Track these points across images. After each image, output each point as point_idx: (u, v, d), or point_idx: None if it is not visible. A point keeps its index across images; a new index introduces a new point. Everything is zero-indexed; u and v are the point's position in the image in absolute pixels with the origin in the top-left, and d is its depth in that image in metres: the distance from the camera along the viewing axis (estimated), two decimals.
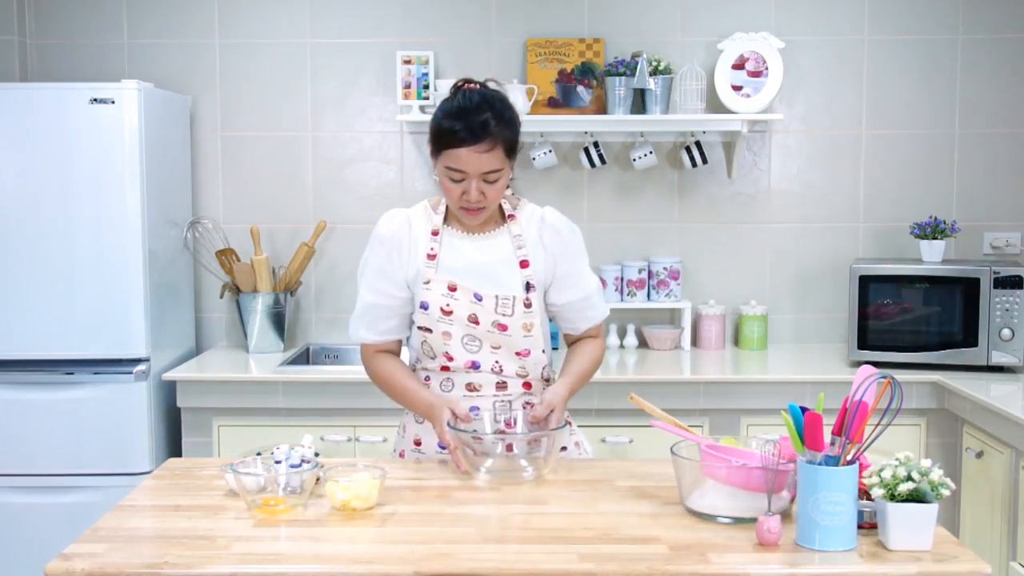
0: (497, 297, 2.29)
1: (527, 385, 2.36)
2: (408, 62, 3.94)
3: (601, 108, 3.90)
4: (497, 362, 2.31)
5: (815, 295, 4.09)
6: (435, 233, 2.33)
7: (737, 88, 3.85)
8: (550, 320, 2.45)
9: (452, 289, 2.29)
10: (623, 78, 3.79)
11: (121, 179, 3.48)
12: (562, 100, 3.93)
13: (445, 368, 2.33)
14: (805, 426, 1.78)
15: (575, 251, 2.38)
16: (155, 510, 2.04)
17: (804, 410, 1.81)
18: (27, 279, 3.48)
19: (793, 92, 4.03)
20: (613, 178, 4.05)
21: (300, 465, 2.03)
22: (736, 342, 4.08)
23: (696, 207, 4.07)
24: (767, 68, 3.83)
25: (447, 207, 2.35)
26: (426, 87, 3.93)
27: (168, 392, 3.62)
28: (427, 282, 2.30)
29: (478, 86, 2.27)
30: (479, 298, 2.28)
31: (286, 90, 4.07)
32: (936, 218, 3.81)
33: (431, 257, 2.31)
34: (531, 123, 3.87)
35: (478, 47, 4.02)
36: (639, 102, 3.89)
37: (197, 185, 4.08)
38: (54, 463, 3.51)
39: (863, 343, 3.66)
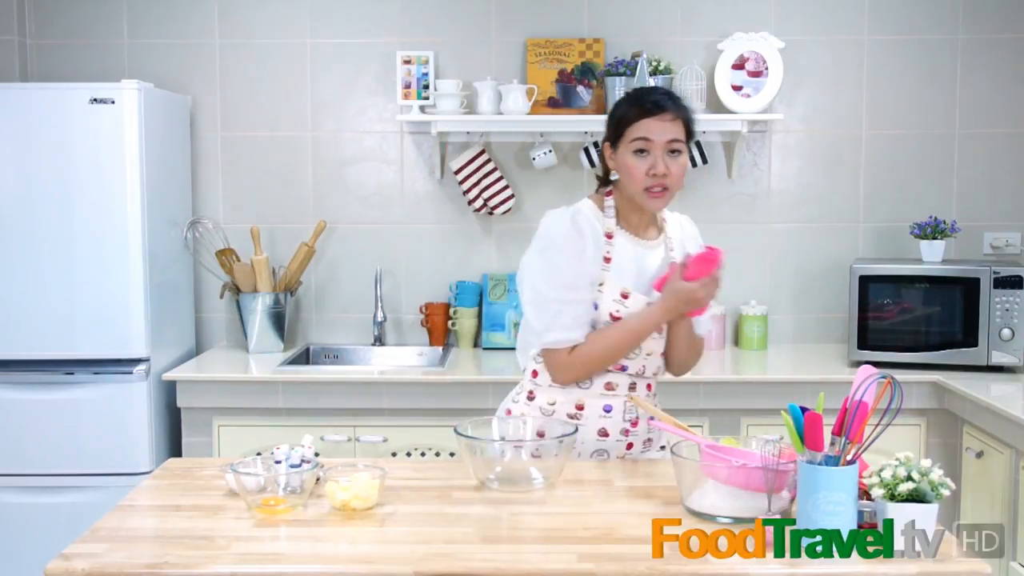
0: (649, 305, 2.34)
1: (649, 387, 2.44)
2: (408, 62, 3.94)
3: (601, 108, 3.90)
4: (644, 366, 2.39)
5: (815, 295, 4.09)
6: (609, 236, 2.36)
7: (737, 88, 3.85)
8: None
9: (624, 296, 2.33)
10: (623, 78, 3.79)
11: (121, 179, 3.49)
12: (562, 100, 3.93)
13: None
14: (805, 426, 1.78)
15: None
16: (155, 510, 2.04)
17: (804, 410, 1.81)
18: (27, 279, 3.48)
19: (793, 92, 4.03)
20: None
21: (300, 465, 2.03)
22: (736, 342, 4.08)
23: (696, 207, 4.04)
24: (767, 68, 3.83)
25: (616, 209, 2.38)
26: (426, 87, 3.93)
27: (168, 392, 3.62)
28: (600, 284, 2.33)
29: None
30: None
31: (286, 90, 4.07)
32: (936, 218, 3.81)
33: (607, 260, 2.35)
34: (531, 123, 3.88)
35: (478, 47, 4.02)
36: None
37: (197, 185, 4.08)
38: (54, 463, 3.51)
39: (863, 343, 3.66)
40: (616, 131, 2.33)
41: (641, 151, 2.29)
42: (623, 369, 2.38)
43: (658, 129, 2.27)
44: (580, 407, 2.38)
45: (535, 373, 2.44)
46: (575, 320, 2.32)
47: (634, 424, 2.39)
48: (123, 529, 1.90)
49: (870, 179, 4.07)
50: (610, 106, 3.81)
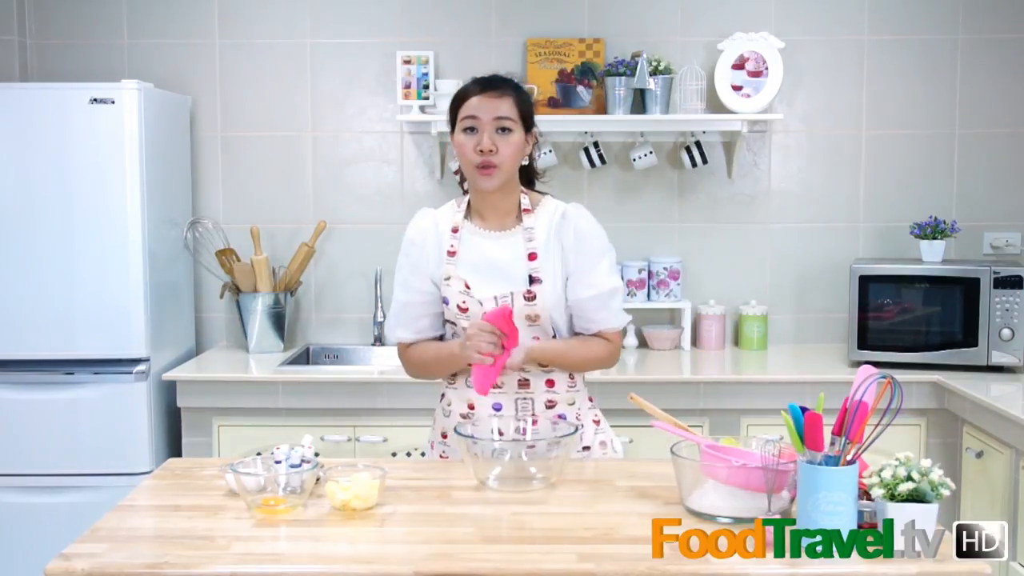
0: (495, 298, 2.31)
1: (550, 383, 2.36)
2: (408, 62, 3.94)
3: (601, 108, 3.90)
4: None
5: (815, 295, 4.09)
6: (455, 230, 2.38)
7: (737, 88, 3.85)
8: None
9: (467, 287, 2.33)
10: (623, 78, 3.79)
11: (121, 179, 3.49)
12: (562, 100, 3.93)
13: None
14: (805, 426, 1.78)
15: (593, 249, 2.36)
16: (155, 510, 2.04)
17: (804, 410, 1.81)
18: (27, 279, 3.48)
19: (793, 92, 4.03)
20: (613, 178, 4.05)
21: (300, 465, 2.03)
22: (736, 342, 4.08)
23: (696, 207, 4.07)
24: (767, 68, 3.83)
25: (468, 203, 2.41)
26: (426, 87, 3.93)
27: (168, 392, 3.62)
28: (447, 278, 2.34)
29: None
30: (480, 303, 2.32)
31: (286, 90, 4.07)
32: (936, 218, 3.81)
33: (451, 254, 2.36)
34: None
35: (478, 47, 4.02)
36: (639, 102, 3.89)
37: (197, 185, 4.08)
38: (54, 463, 3.51)
39: (863, 343, 3.66)
40: (452, 115, 2.36)
41: (470, 129, 2.30)
42: None
43: (486, 106, 2.30)
44: (471, 407, 2.36)
45: None
46: (409, 319, 2.40)
47: (532, 422, 2.32)
48: (123, 529, 1.90)
49: (870, 179, 4.07)
50: (610, 106, 3.84)
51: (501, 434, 2.29)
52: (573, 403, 2.40)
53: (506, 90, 2.33)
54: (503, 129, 2.30)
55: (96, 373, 3.51)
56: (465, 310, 2.33)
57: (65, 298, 3.49)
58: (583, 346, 2.39)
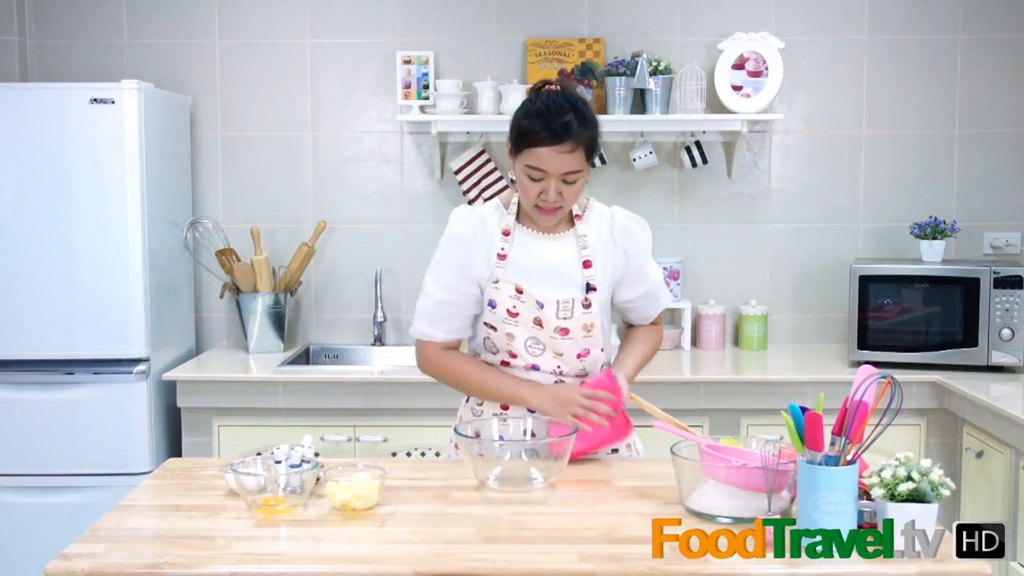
0: (558, 302, 2.30)
1: (584, 382, 2.38)
2: (408, 62, 3.94)
3: (601, 108, 3.90)
4: (559, 366, 2.33)
5: (815, 295, 4.09)
6: (506, 233, 2.33)
7: (737, 88, 3.85)
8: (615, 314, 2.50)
9: (519, 292, 2.30)
10: (623, 78, 3.79)
11: (121, 179, 3.48)
12: None
13: (505, 363, 2.35)
14: (805, 426, 1.78)
15: (645, 247, 2.42)
16: (155, 510, 2.04)
17: (804, 410, 1.81)
18: (27, 279, 3.48)
19: (793, 92, 4.03)
20: (613, 178, 4.04)
21: (300, 465, 2.03)
22: (736, 342, 4.08)
23: (696, 207, 4.07)
24: (767, 68, 3.83)
25: (519, 205, 2.36)
26: (426, 87, 3.93)
27: (168, 392, 3.62)
28: (496, 282, 2.30)
29: (558, 88, 2.27)
30: (540, 305, 2.29)
31: (286, 90, 4.07)
32: (936, 218, 3.81)
33: (501, 257, 2.32)
34: None
35: (478, 47, 4.02)
36: (639, 102, 3.89)
37: (197, 185, 4.08)
38: (54, 463, 3.51)
39: (863, 343, 3.66)
40: (515, 143, 2.24)
41: (535, 179, 2.22)
42: (535, 368, 2.33)
43: (556, 161, 2.19)
44: (505, 407, 2.35)
45: None
46: (448, 319, 2.34)
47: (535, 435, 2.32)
48: (123, 529, 1.90)
49: (870, 179, 4.07)
50: (610, 106, 3.84)
51: (533, 435, 2.28)
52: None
53: (578, 142, 2.20)
54: (569, 181, 2.24)
55: (96, 373, 3.51)
56: (515, 315, 2.29)
57: (65, 298, 3.49)
58: (647, 344, 2.49)
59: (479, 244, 2.31)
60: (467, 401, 2.45)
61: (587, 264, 2.33)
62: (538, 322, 2.29)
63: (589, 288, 2.32)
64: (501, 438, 2.28)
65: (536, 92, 2.28)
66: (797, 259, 4.10)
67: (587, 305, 2.31)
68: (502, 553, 1.77)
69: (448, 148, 4.04)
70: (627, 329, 2.55)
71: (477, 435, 2.26)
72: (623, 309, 2.47)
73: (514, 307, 2.29)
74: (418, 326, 2.38)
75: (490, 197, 3.93)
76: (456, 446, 2.46)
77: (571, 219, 2.37)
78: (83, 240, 3.48)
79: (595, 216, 2.39)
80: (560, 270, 2.33)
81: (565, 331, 2.30)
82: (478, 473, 2.14)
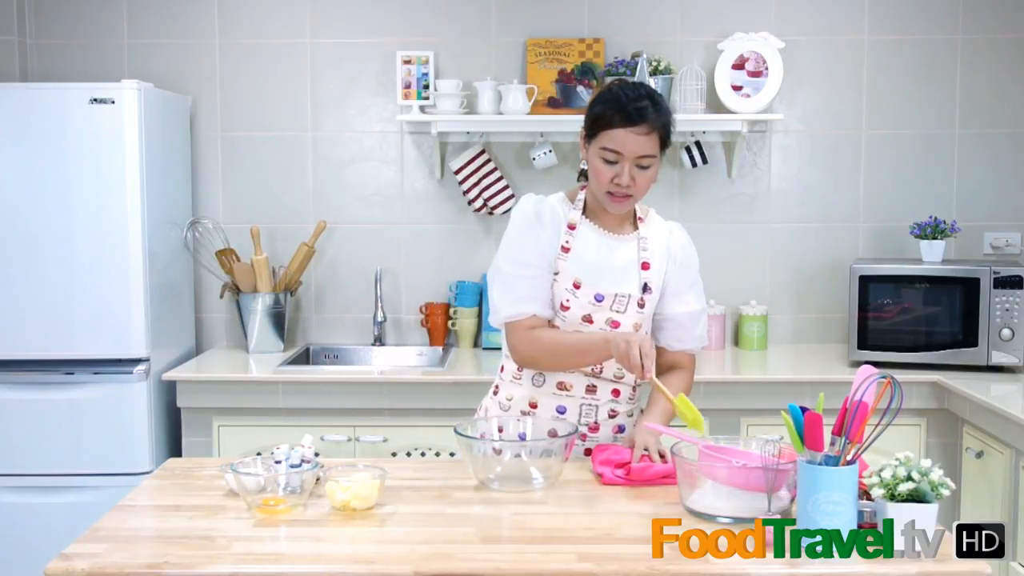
0: (616, 295, 2.31)
1: (615, 392, 2.36)
2: (408, 62, 3.94)
3: None
4: (602, 365, 2.33)
5: (815, 295, 4.09)
6: (572, 226, 2.35)
7: (737, 88, 3.85)
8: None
9: (576, 286, 2.31)
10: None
11: (121, 179, 3.49)
12: (562, 100, 3.93)
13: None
14: (805, 426, 1.78)
15: (694, 269, 2.44)
16: (155, 510, 2.04)
17: (804, 410, 1.81)
18: (27, 279, 3.48)
19: (793, 92, 4.03)
20: None
21: (300, 465, 2.03)
22: (736, 342, 4.08)
23: (696, 207, 4.07)
24: (767, 68, 3.83)
25: (585, 200, 2.37)
26: (426, 87, 3.93)
27: (168, 392, 3.62)
28: (556, 273, 2.32)
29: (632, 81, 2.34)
30: (599, 299, 2.31)
31: (286, 90, 4.07)
32: (936, 218, 3.81)
33: (565, 249, 2.33)
34: (531, 123, 3.88)
35: (478, 47, 4.02)
36: None
37: (197, 185, 4.08)
38: (54, 463, 3.51)
39: (863, 343, 3.66)
40: (591, 129, 2.28)
41: (609, 161, 2.25)
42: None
43: (631, 143, 2.22)
44: (533, 405, 2.36)
45: (502, 368, 2.45)
46: (529, 293, 2.30)
47: (593, 429, 2.35)
48: (123, 529, 1.90)
49: (870, 179, 4.07)
50: None
51: (501, 431, 2.29)
52: (632, 415, 2.41)
53: (654, 126, 2.23)
54: (644, 166, 2.25)
55: (96, 373, 3.51)
56: (567, 309, 2.31)
57: (65, 298, 3.49)
58: (684, 383, 2.41)
59: (549, 227, 2.33)
60: (495, 394, 2.44)
61: (645, 266, 2.36)
62: (587, 319, 2.31)
63: (646, 289, 2.34)
64: (502, 438, 2.28)
65: (610, 85, 2.33)
66: (797, 259, 4.10)
67: (641, 305, 2.34)
68: (502, 553, 1.77)
69: (448, 148, 4.04)
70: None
71: (482, 436, 2.26)
72: (659, 324, 2.42)
73: (567, 301, 2.31)
74: (501, 312, 2.33)
75: (490, 197, 3.95)
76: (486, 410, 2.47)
77: (634, 222, 2.40)
78: (83, 240, 3.48)
79: (656, 223, 2.43)
80: (621, 268, 2.34)
81: (615, 324, 2.31)
82: (478, 473, 2.14)
